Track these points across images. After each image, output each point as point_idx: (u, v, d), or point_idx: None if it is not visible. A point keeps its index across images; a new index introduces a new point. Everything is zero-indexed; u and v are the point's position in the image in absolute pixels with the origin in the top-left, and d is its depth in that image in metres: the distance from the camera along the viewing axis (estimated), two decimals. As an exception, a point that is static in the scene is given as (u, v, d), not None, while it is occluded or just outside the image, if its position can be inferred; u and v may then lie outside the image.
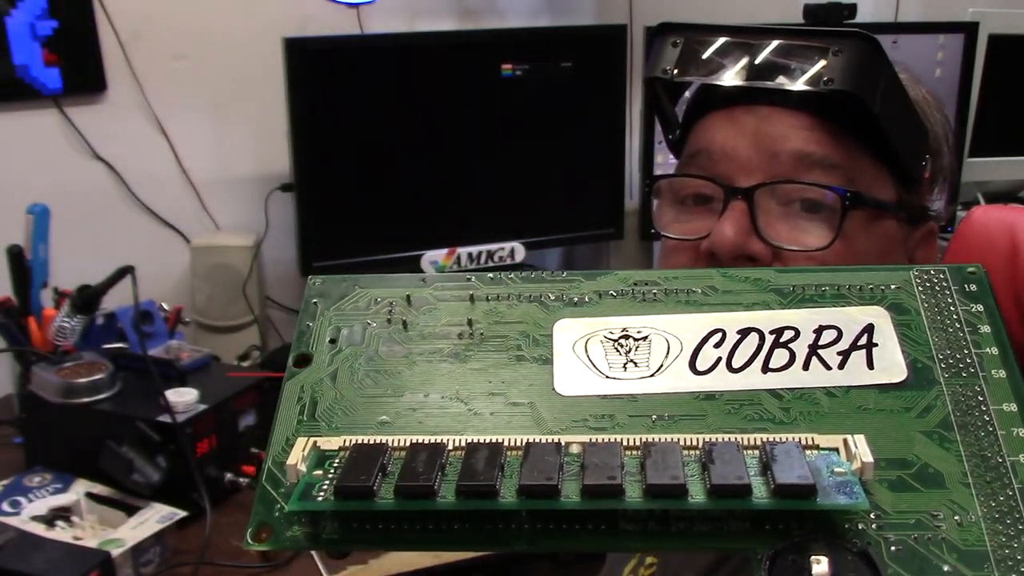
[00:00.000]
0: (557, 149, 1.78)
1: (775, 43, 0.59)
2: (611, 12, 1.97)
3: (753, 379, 0.41)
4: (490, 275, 0.47)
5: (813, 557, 0.33)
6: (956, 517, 0.36)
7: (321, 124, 1.62)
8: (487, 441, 0.38)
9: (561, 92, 1.75)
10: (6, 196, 1.51)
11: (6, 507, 1.17)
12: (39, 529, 1.11)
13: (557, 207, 1.81)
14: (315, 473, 0.37)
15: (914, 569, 0.35)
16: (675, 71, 0.62)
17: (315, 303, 0.47)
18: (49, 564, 1.00)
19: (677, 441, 0.37)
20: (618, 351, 0.42)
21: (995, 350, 0.41)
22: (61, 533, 1.12)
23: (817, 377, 0.41)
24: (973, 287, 0.44)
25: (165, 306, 1.43)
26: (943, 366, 0.41)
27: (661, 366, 0.42)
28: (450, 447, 0.38)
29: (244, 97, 1.74)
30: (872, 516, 0.36)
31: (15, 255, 1.38)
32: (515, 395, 0.42)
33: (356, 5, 1.75)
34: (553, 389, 0.41)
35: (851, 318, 0.43)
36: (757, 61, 0.59)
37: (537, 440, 0.37)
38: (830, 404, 0.40)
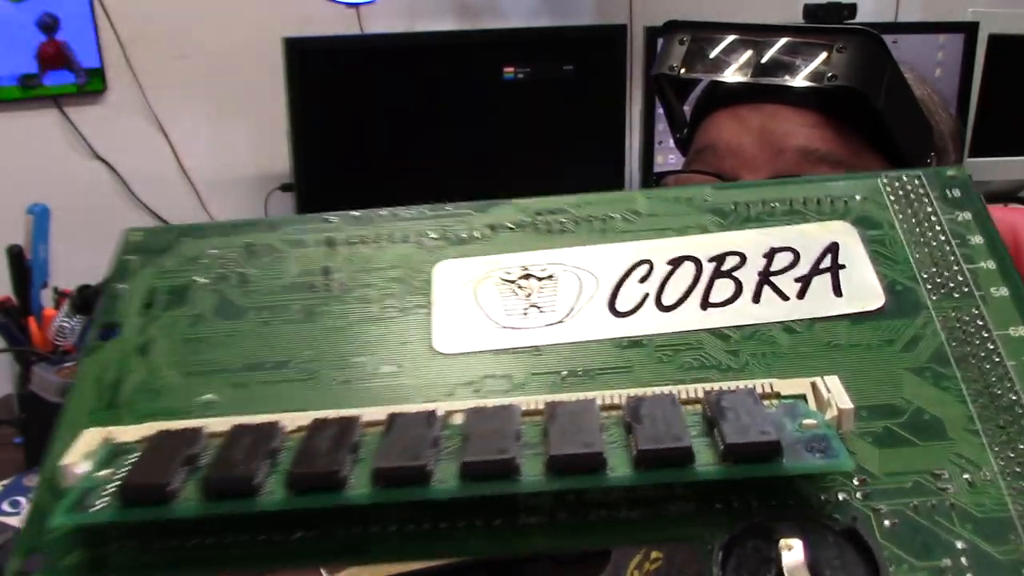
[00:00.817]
0: (557, 149, 1.78)
1: (780, 41, 0.59)
2: (611, 12, 1.97)
3: (690, 318, 0.32)
4: (356, 213, 0.37)
5: (782, 542, 0.25)
6: (966, 475, 0.28)
7: (321, 124, 1.62)
8: (336, 417, 0.28)
9: (562, 93, 1.75)
10: (6, 196, 1.51)
11: (6, 507, 1.16)
12: (39, 529, 1.11)
13: (557, 207, 1.81)
14: (99, 474, 0.27)
15: (917, 547, 0.26)
16: (681, 68, 0.62)
17: (129, 260, 0.37)
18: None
19: (593, 400, 0.28)
20: (516, 294, 0.34)
21: (992, 263, 0.34)
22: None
23: (772, 310, 0.32)
24: (956, 192, 0.36)
25: (165, 306, 1.42)
26: (929, 287, 0.33)
27: (572, 309, 0.33)
28: (288, 428, 0.28)
29: (244, 97, 1.74)
30: (856, 481, 0.28)
31: (15, 255, 1.38)
32: (381, 358, 0.32)
33: (356, 5, 1.75)
34: (431, 347, 0.32)
35: (809, 237, 0.35)
36: (762, 58, 0.60)
37: (403, 411, 0.28)
38: (790, 342, 0.32)
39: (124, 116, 1.68)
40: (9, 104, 1.60)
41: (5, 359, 1.51)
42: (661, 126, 1.78)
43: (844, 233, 0.35)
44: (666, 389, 0.28)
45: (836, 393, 0.28)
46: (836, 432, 0.27)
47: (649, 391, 0.28)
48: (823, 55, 0.57)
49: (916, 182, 0.36)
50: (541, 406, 0.28)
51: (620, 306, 0.33)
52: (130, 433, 0.29)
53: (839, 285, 0.33)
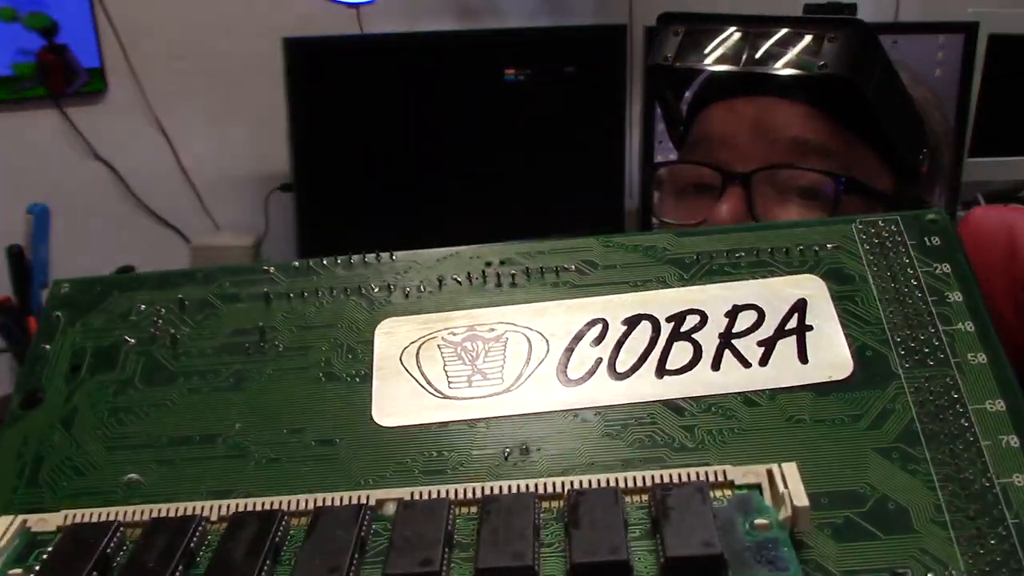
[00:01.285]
0: (557, 149, 1.78)
1: (772, 31, 0.59)
2: (611, 12, 1.97)
3: (645, 387, 0.30)
4: (296, 263, 0.35)
5: None
6: (930, 575, 0.25)
7: (321, 124, 1.62)
8: (259, 508, 0.27)
9: (562, 94, 1.75)
10: (6, 196, 1.51)
11: (6, 507, 1.16)
12: (39, 529, 1.11)
13: (557, 207, 1.81)
14: (12, 573, 0.26)
15: None
16: (674, 59, 0.62)
17: (57, 316, 0.35)
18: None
19: (532, 490, 0.26)
20: (462, 358, 0.31)
21: (970, 325, 0.30)
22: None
23: (732, 379, 0.30)
24: (936, 240, 0.33)
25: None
26: (902, 351, 0.30)
27: (519, 376, 0.31)
28: (211, 518, 0.27)
29: (244, 97, 1.74)
30: None
31: (15, 255, 1.38)
32: (317, 431, 0.30)
33: (356, 5, 1.75)
34: (371, 418, 0.30)
35: (776, 293, 0.32)
36: (754, 49, 0.60)
37: (332, 501, 0.27)
38: (750, 417, 0.29)
39: (124, 116, 1.68)
40: (9, 104, 1.60)
41: (5, 359, 1.51)
42: (661, 126, 1.78)
43: (813, 289, 0.32)
44: (612, 478, 0.26)
45: (793, 487, 0.25)
46: (788, 535, 0.24)
47: (594, 480, 0.26)
48: (814, 45, 0.57)
49: (893, 228, 0.33)
50: (477, 495, 0.26)
51: (571, 372, 0.31)
52: (48, 522, 0.28)
53: (805, 350, 0.30)
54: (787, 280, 0.32)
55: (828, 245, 0.33)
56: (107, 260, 1.34)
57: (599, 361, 0.31)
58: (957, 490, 0.27)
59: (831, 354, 0.30)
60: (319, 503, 0.26)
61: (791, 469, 0.26)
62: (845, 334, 0.31)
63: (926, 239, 0.33)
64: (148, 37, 1.66)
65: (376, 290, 0.34)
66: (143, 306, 0.34)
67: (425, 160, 1.72)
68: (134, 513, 0.27)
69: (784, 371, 0.30)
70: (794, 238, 0.33)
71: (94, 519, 0.27)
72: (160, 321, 0.34)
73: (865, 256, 0.32)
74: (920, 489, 0.27)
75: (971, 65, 1.80)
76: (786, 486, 0.25)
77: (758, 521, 0.24)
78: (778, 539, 0.24)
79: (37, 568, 0.26)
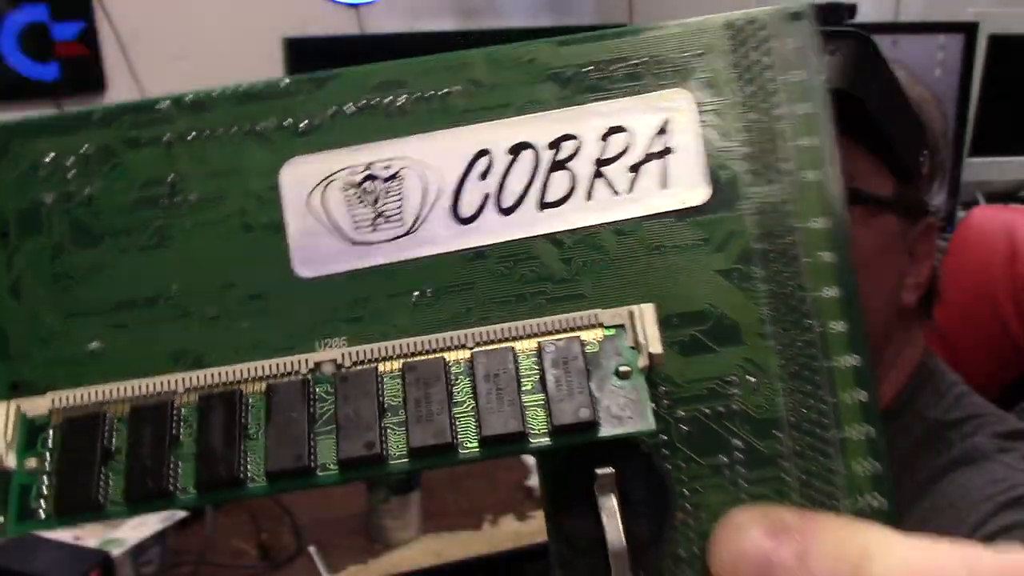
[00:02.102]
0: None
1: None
2: (611, 12, 1.97)
3: (529, 222, 0.31)
4: (190, 96, 0.34)
5: (597, 470, 0.28)
6: (751, 378, 0.29)
7: (321, 124, 1.62)
8: (219, 386, 0.29)
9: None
10: (6, 196, 1.52)
11: (6, 507, 1.16)
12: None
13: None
14: (29, 464, 0.28)
15: (703, 448, 0.29)
16: None
17: None
18: (49, 564, 1.00)
19: (440, 359, 0.29)
20: (363, 200, 0.31)
21: (811, 140, 0.32)
22: (61, 533, 1.12)
23: (603, 210, 0.31)
24: (794, 40, 0.32)
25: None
26: (751, 171, 0.31)
27: (417, 218, 0.31)
28: (180, 392, 0.29)
29: (244, 97, 1.74)
30: (663, 391, 0.29)
31: (15, 255, 1.39)
32: (247, 286, 0.31)
33: (356, 5, 1.75)
34: (292, 271, 0.31)
35: (646, 110, 0.31)
36: None
37: (279, 376, 0.29)
38: (618, 247, 0.30)
39: (124, 116, 1.68)
40: (9, 104, 1.60)
41: (5, 359, 1.51)
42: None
43: (679, 105, 0.31)
44: (504, 333, 0.29)
45: (650, 331, 0.28)
46: (645, 380, 0.28)
47: (490, 331, 0.29)
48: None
49: (760, 30, 0.32)
50: (397, 357, 0.29)
51: (462, 211, 0.31)
52: (39, 405, 0.29)
53: (667, 175, 0.30)
54: (659, 96, 0.31)
55: (700, 52, 0.31)
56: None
57: (486, 197, 0.31)
58: (779, 304, 0.29)
59: (690, 179, 0.30)
60: (268, 370, 0.29)
61: (647, 310, 0.28)
62: (706, 154, 0.30)
63: (788, 40, 0.31)
64: (148, 37, 1.66)
65: (273, 126, 0.32)
66: (48, 157, 0.32)
67: (425, 160, 1.72)
68: (113, 391, 0.29)
69: (648, 199, 0.30)
70: (668, 45, 0.32)
71: (80, 401, 0.29)
72: (70, 175, 0.32)
73: (731, 64, 0.31)
74: (750, 306, 0.29)
75: (971, 65, 1.80)
76: (644, 328, 0.28)
77: (622, 368, 0.28)
78: (638, 390, 0.27)
79: (51, 463, 0.28)
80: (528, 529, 1.24)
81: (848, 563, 0.23)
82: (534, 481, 1.30)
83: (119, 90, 1.66)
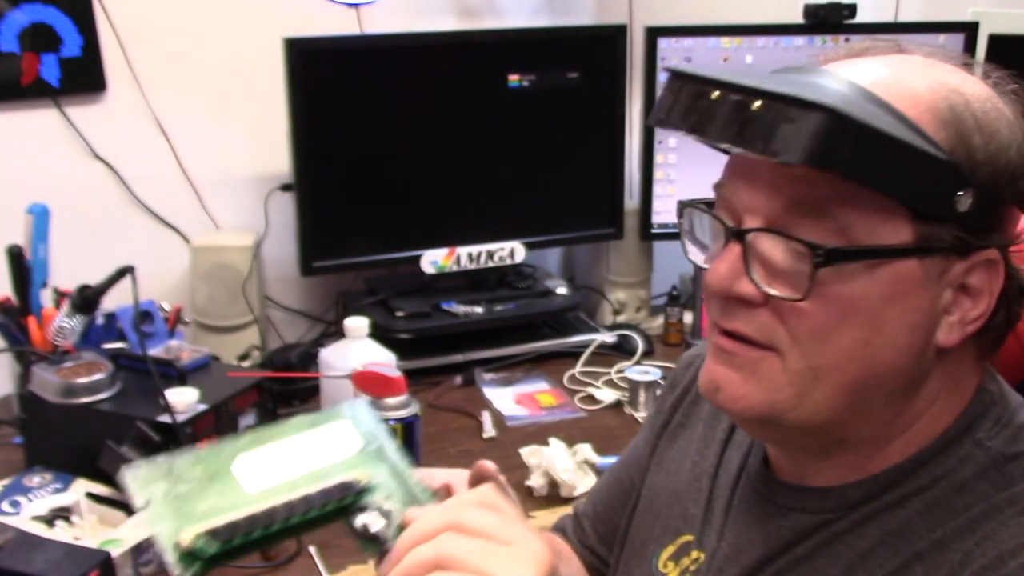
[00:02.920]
0: (557, 149, 1.79)
1: (741, 102, 0.58)
2: (611, 12, 1.97)
3: None
4: None
5: None
6: None
7: (321, 124, 1.62)
8: None
9: (563, 97, 1.75)
10: (6, 196, 1.51)
11: (6, 507, 1.17)
12: (39, 529, 1.11)
13: (557, 207, 1.81)
14: None
15: None
16: (663, 119, 0.63)
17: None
18: (49, 564, 1.00)
19: None
20: None
21: None
22: (61, 533, 1.12)
23: None
24: None
25: (165, 306, 1.43)
26: None
27: None
28: None
29: (244, 97, 1.74)
30: None
31: (15, 255, 1.38)
32: None
33: (356, 5, 1.75)
34: None
35: None
36: (724, 118, 0.59)
37: None
38: None
39: (124, 116, 1.68)
40: (9, 104, 1.60)
41: (5, 359, 1.51)
42: (661, 126, 1.77)
43: None
44: None
45: None
46: None
47: None
48: (781, 125, 0.56)
49: None
50: None
51: None
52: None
53: None
54: None
55: None
56: (107, 260, 1.34)
57: None
58: None
59: None
60: None
61: None
62: None
63: None
64: (148, 37, 1.66)
65: None
66: None
67: (425, 160, 1.72)
68: None
69: None
70: None
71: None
72: None
73: None
74: None
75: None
76: None
77: None
78: None
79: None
80: (528, 529, 1.24)
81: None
82: (534, 481, 1.30)
83: (119, 90, 1.66)
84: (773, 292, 0.60)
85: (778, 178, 0.59)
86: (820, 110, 0.54)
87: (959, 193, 0.59)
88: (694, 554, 0.75)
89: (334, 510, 0.59)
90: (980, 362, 0.66)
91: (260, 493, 0.59)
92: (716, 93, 0.59)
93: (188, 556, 0.56)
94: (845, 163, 0.55)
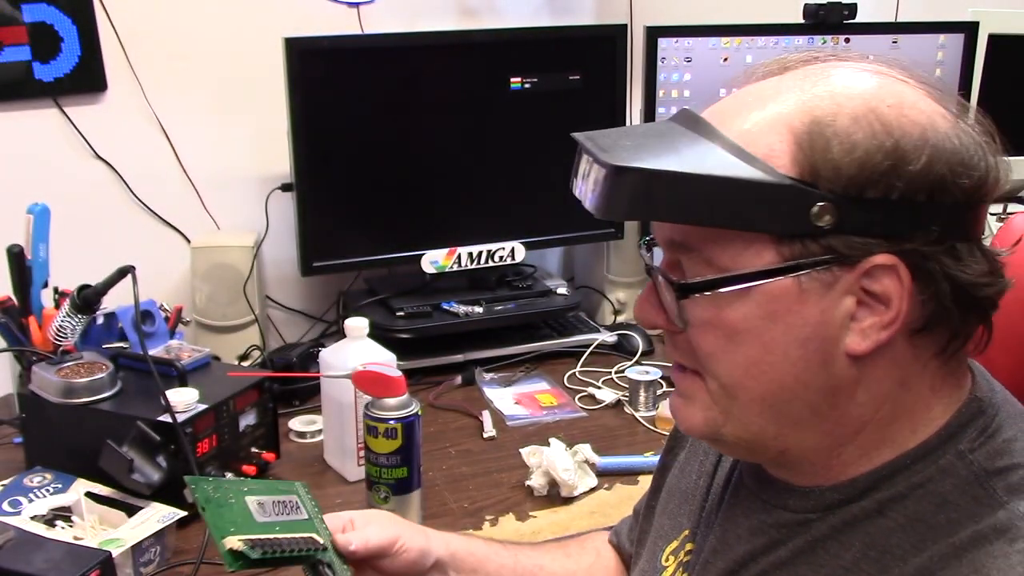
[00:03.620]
0: (557, 148, 1.78)
1: (587, 161, 0.65)
2: (611, 12, 1.97)
3: None
4: None
5: None
6: None
7: (321, 124, 1.62)
8: None
9: (564, 97, 1.75)
10: (6, 196, 1.51)
11: (6, 507, 1.17)
12: (39, 529, 1.11)
13: (557, 207, 1.80)
14: None
15: None
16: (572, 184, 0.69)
17: None
18: (49, 564, 1.00)
19: None
20: None
21: None
22: (61, 533, 1.12)
23: None
24: None
25: (165, 306, 1.43)
26: None
27: None
28: None
29: (244, 97, 1.74)
30: None
31: (15, 255, 1.38)
32: None
33: (356, 5, 1.75)
34: None
35: None
36: (584, 174, 0.65)
37: None
38: None
39: (124, 116, 1.68)
40: (9, 104, 1.60)
41: (5, 359, 1.51)
42: (661, 126, 1.77)
43: None
44: None
45: None
46: None
47: None
48: (601, 185, 0.61)
49: None
50: None
51: None
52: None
53: None
54: None
55: None
56: (107, 260, 1.34)
57: None
58: None
59: None
60: None
61: None
62: None
63: None
64: (148, 37, 1.66)
65: None
66: None
67: (426, 159, 1.72)
68: None
69: None
70: None
71: None
72: None
73: None
74: None
75: (971, 65, 1.80)
76: None
77: None
78: None
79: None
80: (528, 529, 1.24)
81: None
82: (534, 481, 1.30)
83: (119, 90, 1.66)
84: (660, 323, 0.66)
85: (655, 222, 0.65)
86: (607, 167, 0.60)
87: (813, 210, 0.58)
88: (688, 546, 0.77)
89: (306, 556, 0.78)
90: (956, 365, 0.64)
91: (264, 524, 0.77)
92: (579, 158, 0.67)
93: (234, 555, 0.72)
94: (661, 209, 0.61)
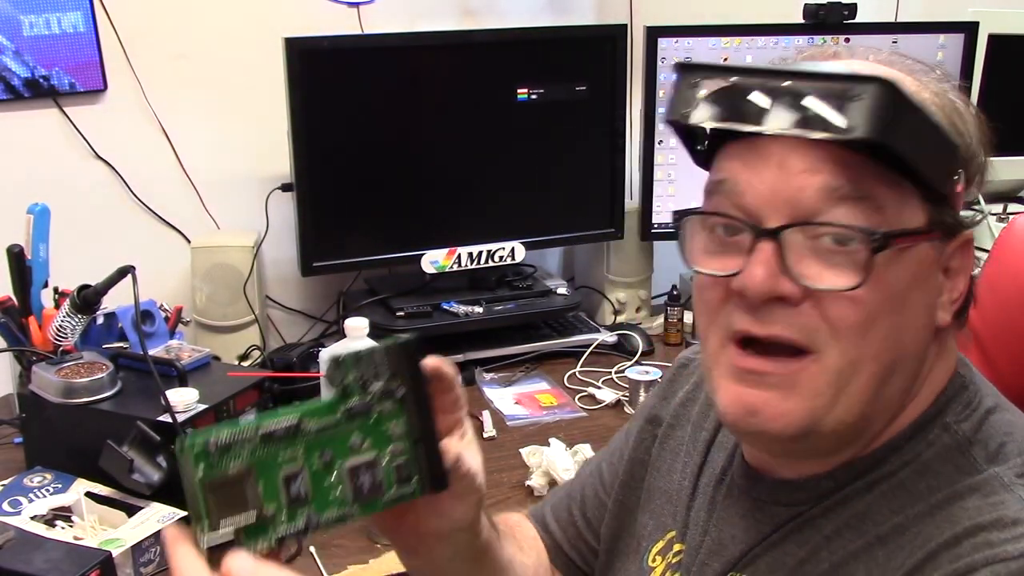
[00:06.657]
0: (557, 148, 1.78)
1: (792, 87, 0.57)
2: (611, 12, 1.97)
3: None
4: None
5: None
6: None
7: (321, 124, 1.62)
8: None
9: (564, 97, 1.75)
10: (6, 196, 1.51)
11: (6, 507, 1.16)
12: (39, 529, 1.11)
13: (557, 207, 1.81)
14: None
15: None
16: (692, 114, 0.60)
17: None
18: (49, 564, 1.00)
19: None
20: None
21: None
22: (61, 533, 1.12)
23: None
24: None
25: (165, 306, 1.43)
26: None
27: None
28: None
29: (244, 97, 1.74)
30: None
31: (15, 255, 1.38)
32: None
33: (356, 5, 1.75)
34: None
35: None
36: (775, 106, 0.57)
37: None
38: None
39: (124, 116, 1.68)
40: (9, 104, 1.60)
41: (5, 359, 1.51)
42: (662, 126, 1.78)
43: None
44: None
45: None
46: None
47: None
48: (839, 103, 0.55)
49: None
50: None
51: None
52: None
53: None
54: None
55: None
56: (107, 260, 1.34)
57: None
58: None
59: None
60: None
61: None
62: None
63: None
64: (148, 37, 1.66)
65: None
66: None
67: (426, 159, 1.72)
68: None
69: None
70: None
71: None
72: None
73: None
74: None
75: (971, 65, 1.80)
76: None
77: None
78: None
79: None
80: (528, 529, 1.24)
81: None
82: (534, 481, 1.30)
83: (119, 90, 1.66)
84: (822, 286, 0.58)
85: (818, 163, 0.58)
86: (880, 83, 0.55)
87: (955, 176, 0.60)
88: (676, 547, 0.76)
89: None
90: (953, 345, 0.67)
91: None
92: (752, 81, 0.58)
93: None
94: (902, 139, 0.56)
